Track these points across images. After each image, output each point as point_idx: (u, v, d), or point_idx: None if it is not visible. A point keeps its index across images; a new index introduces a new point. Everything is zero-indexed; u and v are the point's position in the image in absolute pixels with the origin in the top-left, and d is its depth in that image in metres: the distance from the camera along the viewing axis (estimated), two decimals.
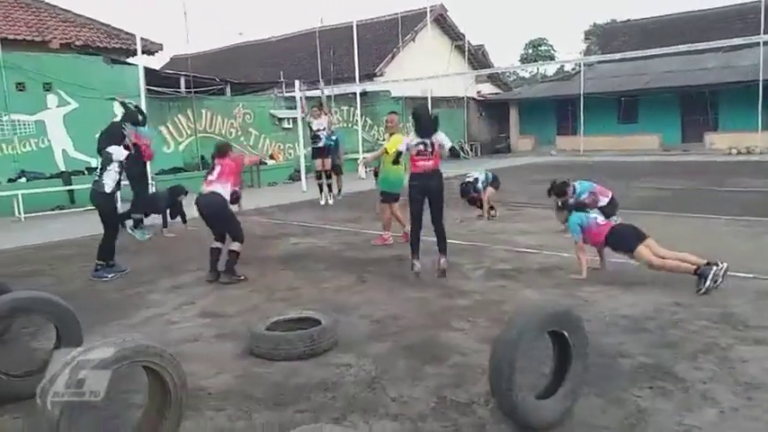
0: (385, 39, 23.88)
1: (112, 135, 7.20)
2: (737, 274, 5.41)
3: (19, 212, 11.29)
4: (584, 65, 24.98)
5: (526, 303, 4.15)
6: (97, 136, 8.15)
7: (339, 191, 12.34)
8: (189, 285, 5.98)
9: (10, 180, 12.33)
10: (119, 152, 6.64)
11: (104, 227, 6.56)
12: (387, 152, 6.73)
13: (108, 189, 6.48)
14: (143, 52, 16.73)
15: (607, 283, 5.38)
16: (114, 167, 6.57)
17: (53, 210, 12.21)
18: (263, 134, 17.82)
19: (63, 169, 13.10)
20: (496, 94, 28.73)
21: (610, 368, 3.59)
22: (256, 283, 5.90)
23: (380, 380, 3.59)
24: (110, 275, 6.41)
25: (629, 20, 30.65)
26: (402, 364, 3.80)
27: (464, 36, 25.70)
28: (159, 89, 15.37)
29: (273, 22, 65.99)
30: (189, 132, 15.95)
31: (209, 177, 6.17)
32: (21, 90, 12.67)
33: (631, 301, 4.85)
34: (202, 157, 16.05)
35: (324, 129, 10.67)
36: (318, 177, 10.87)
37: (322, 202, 10.76)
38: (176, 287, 5.94)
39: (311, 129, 10.79)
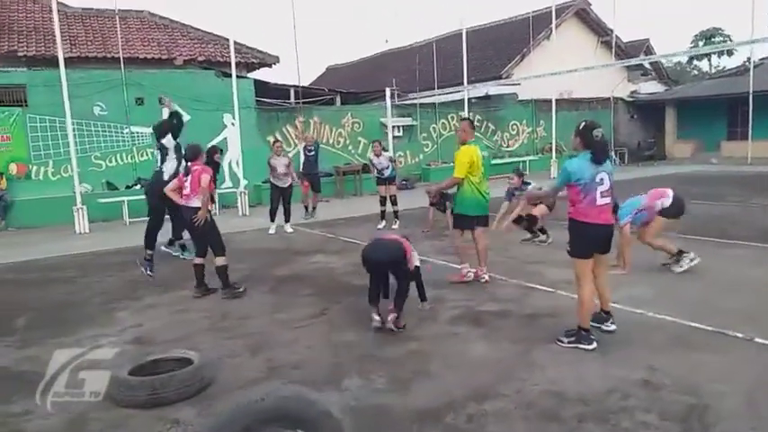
0: (517, 38, 22.53)
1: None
2: None
3: (124, 217, 12.38)
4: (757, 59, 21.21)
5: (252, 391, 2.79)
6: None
7: (314, 209, 12.00)
8: (163, 305, 5.93)
9: (128, 186, 13.62)
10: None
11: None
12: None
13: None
14: (262, 65, 17.61)
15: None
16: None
17: None
18: (372, 143, 17.69)
19: None
20: (653, 94, 25.56)
21: None
22: (215, 309, 5.65)
23: None
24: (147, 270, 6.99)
25: None
26: None
27: (612, 31, 23.31)
28: (269, 101, 15.96)
29: (418, 28, 66.31)
30: (297, 142, 16.36)
31: (185, 191, 6.08)
32: (140, 104, 13.94)
33: (586, 371, 3.74)
34: None
35: (387, 167, 10.49)
36: (382, 204, 10.57)
37: (379, 226, 10.22)
38: (151, 306, 5.93)
39: (373, 164, 10.80)
